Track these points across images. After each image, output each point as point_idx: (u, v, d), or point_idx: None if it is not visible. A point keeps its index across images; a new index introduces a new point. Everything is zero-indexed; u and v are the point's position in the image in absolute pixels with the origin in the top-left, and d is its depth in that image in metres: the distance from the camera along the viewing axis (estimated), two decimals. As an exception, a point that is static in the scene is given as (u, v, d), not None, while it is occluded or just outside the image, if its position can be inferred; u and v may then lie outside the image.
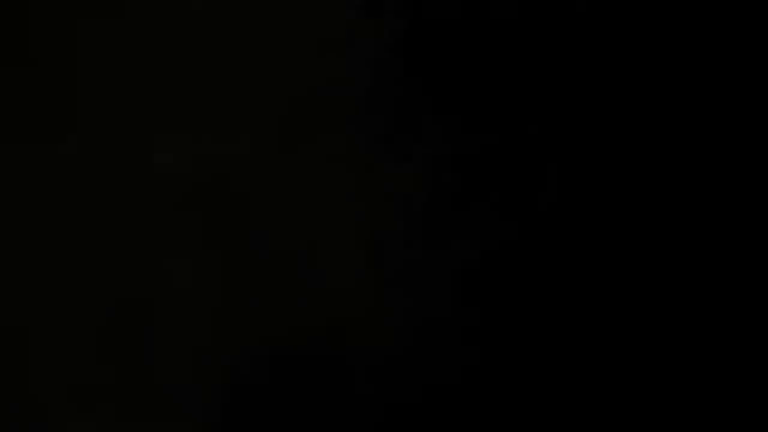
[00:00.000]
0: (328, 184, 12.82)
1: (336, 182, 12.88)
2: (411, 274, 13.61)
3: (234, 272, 12.36)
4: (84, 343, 12.28)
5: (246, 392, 12.22)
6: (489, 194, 14.02)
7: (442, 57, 13.89)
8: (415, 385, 12.81)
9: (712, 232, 12.69)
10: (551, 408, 13.64)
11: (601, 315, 14.11)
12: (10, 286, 11.74)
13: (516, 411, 13.54)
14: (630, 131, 13.14)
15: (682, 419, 12.75)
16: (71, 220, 12.13)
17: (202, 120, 12.63)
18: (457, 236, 13.98)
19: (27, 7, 12.00)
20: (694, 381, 12.44)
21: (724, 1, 12.63)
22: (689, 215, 12.86)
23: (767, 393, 12.27)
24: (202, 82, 12.64)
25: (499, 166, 13.75)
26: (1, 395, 11.57)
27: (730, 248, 12.53)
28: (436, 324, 13.36)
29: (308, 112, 12.86)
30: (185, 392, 11.77)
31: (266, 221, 12.86)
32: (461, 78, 14.05)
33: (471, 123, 13.90)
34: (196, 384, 11.80)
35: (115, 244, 12.39)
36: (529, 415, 13.63)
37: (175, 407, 11.93)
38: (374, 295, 12.24)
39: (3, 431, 11.37)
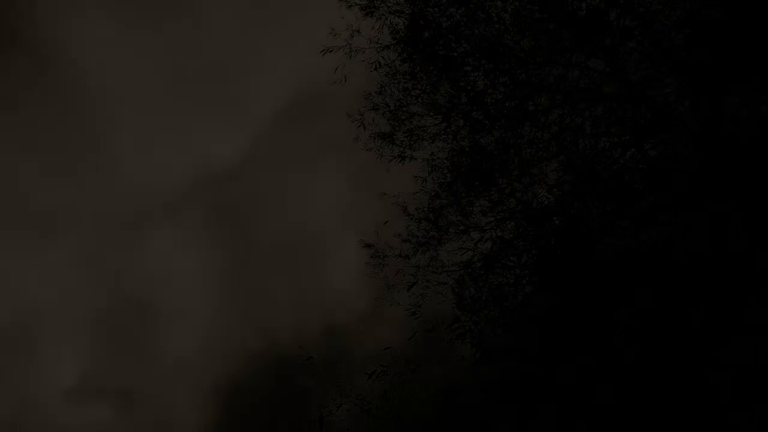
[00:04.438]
0: (328, 184, 12.85)
1: (336, 182, 12.91)
2: (411, 274, 13.63)
3: (234, 272, 12.39)
4: (83, 342, 12.31)
5: (246, 392, 12.25)
6: (488, 194, 14.04)
7: (442, 57, 13.89)
8: (416, 384, 12.83)
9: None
10: (551, 404, 13.65)
11: (599, 313, 14.12)
12: (10, 286, 11.80)
13: (516, 408, 13.56)
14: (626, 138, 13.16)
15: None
16: (70, 219, 12.18)
17: (202, 120, 12.67)
18: (458, 236, 14.00)
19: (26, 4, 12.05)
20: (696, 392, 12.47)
21: None
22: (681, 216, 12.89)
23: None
24: (202, 82, 12.68)
25: (499, 165, 13.76)
26: (2, 394, 11.63)
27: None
28: (436, 324, 13.37)
29: (308, 113, 12.90)
30: (185, 391, 11.81)
31: (266, 221, 12.89)
32: (461, 78, 14.07)
33: (471, 123, 13.93)
34: (196, 383, 11.83)
35: (114, 244, 12.43)
36: (528, 413, 13.64)
37: (174, 406, 11.97)
38: (374, 295, 12.27)
39: (3, 429, 11.43)
